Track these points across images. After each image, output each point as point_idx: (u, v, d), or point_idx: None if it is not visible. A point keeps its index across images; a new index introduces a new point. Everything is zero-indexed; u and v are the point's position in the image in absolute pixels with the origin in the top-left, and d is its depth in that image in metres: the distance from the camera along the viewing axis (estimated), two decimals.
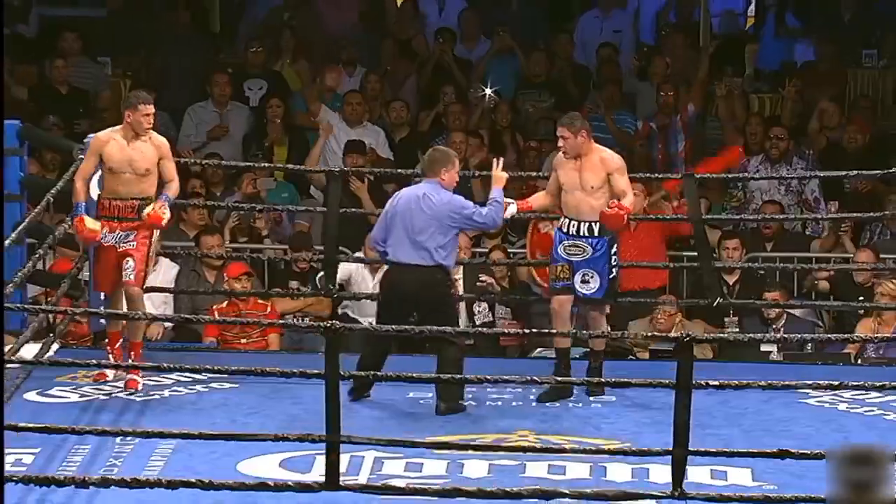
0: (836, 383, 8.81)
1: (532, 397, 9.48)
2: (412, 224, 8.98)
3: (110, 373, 9.36)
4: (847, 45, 13.61)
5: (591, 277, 9.23)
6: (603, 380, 9.21)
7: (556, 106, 13.03)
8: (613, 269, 9.28)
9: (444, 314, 8.95)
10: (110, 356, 9.35)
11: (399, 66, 13.47)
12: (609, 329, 9.51)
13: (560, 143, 9.31)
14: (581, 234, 9.25)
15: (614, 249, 9.28)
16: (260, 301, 10.75)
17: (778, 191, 12.00)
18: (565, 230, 9.30)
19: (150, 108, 9.14)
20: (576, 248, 9.24)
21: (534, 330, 9.80)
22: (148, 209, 9.09)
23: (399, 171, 11.57)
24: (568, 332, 9.21)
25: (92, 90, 13.22)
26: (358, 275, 10.97)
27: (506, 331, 10.68)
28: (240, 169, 11.86)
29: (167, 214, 9.18)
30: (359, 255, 10.91)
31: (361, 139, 12.20)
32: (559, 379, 9.08)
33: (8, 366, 8.83)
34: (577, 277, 9.26)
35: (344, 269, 10.81)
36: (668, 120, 12.59)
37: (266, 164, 11.88)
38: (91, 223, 9.10)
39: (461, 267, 10.62)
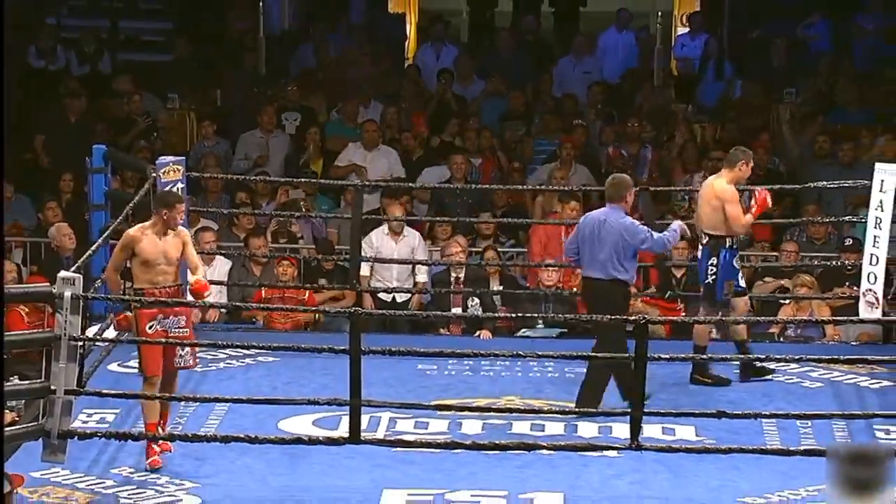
0: (763, 357, 8.79)
1: (517, 368, 9.43)
2: (595, 244, 8.62)
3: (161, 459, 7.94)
4: (774, 84, 13.57)
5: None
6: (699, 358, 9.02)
7: (528, 133, 12.95)
8: (709, 276, 9.11)
9: (614, 321, 8.37)
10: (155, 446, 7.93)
11: (413, 101, 13.42)
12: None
13: (749, 172, 9.15)
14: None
15: (712, 261, 9.10)
16: (301, 290, 10.64)
17: None
18: (735, 247, 9.16)
19: (183, 207, 8.19)
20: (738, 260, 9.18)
21: (520, 314, 9.71)
22: (197, 276, 7.95)
23: (410, 185, 11.54)
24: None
25: (155, 119, 13.16)
26: (379, 240, 10.85)
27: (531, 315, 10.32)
28: (282, 183, 11.80)
29: (210, 286, 8.27)
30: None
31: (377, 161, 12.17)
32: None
33: (95, 343, 8.78)
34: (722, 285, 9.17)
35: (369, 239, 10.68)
36: (636, 148, 12.53)
37: (304, 179, 11.82)
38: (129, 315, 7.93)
39: (463, 267, 10.53)
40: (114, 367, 9.30)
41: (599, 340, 8.57)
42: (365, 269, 10.61)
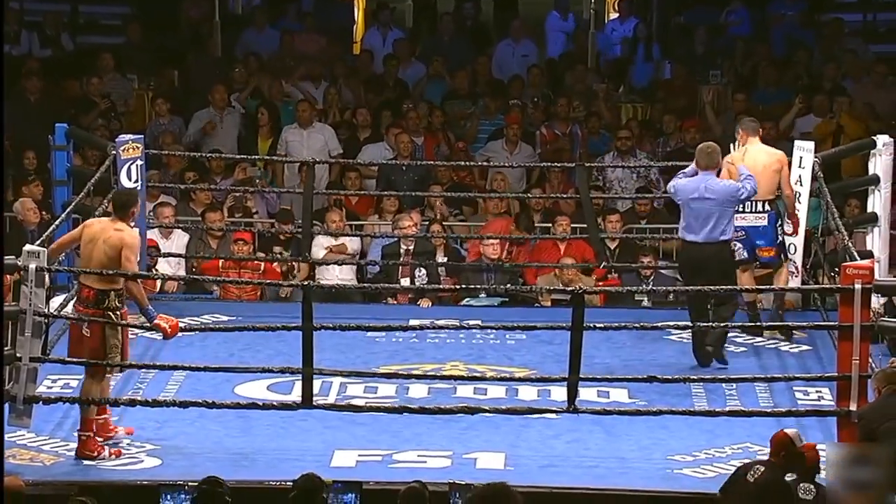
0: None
1: (461, 336, 9.35)
2: (700, 210, 8.70)
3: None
4: (699, 67, 13.58)
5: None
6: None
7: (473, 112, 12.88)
8: (779, 237, 9.20)
9: (729, 278, 8.76)
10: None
11: (360, 83, 13.29)
12: None
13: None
14: None
15: (779, 221, 9.21)
16: (256, 261, 10.50)
17: (631, 177, 11.91)
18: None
19: None
20: None
21: (464, 286, 9.68)
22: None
23: (357, 162, 11.46)
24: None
25: (121, 99, 12.95)
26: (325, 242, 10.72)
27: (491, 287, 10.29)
28: (237, 160, 11.63)
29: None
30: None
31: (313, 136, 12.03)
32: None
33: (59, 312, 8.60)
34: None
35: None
36: (567, 128, 12.48)
37: (255, 157, 11.68)
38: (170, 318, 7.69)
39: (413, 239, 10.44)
40: None
41: (722, 300, 8.69)
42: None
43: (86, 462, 7.46)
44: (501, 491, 4.87)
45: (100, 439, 7.60)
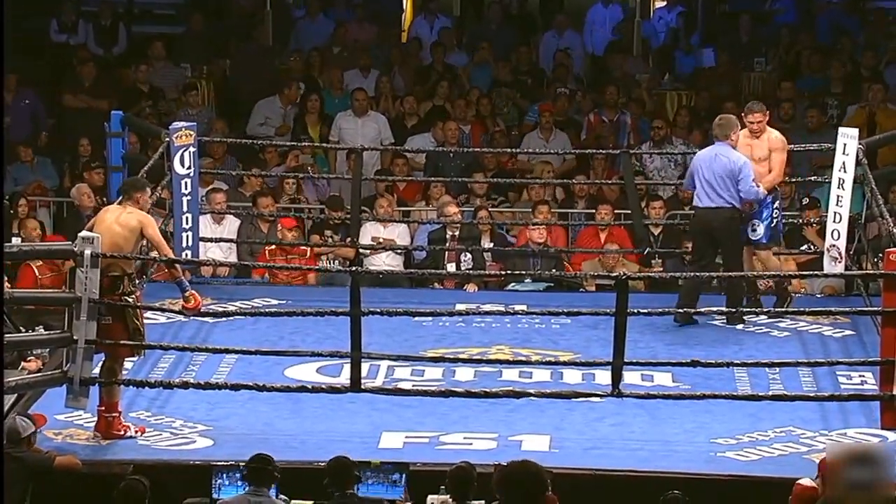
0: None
1: (507, 320, 9.32)
2: (711, 177, 8.94)
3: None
4: (744, 55, 13.47)
5: (758, 226, 9.15)
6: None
7: (515, 102, 12.82)
8: (774, 220, 9.18)
9: (737, 243, 9.01)
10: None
11: (408, 71, 13.28)
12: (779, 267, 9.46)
13: (755, 127, 9.14)
14: None
15: (777, 204, 9.21)
16: (303, 247, 10.52)
17: (669, 165, 11.83)
18: None
19: None
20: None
21: (509, 272, 9.65)
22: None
23: (404, 149, 11.42)
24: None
25: (172, 87, 13.00)
26: (373, 228, 10.72)
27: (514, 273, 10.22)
28: (289, 148, 11.65)
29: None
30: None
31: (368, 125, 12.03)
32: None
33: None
34: (748, 227, 9.18)
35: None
36: (615, 115, 12.43)
37: (307, 144, 11.69)
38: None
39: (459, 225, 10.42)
40: None
41: (730, 261, 8.90)
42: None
43: (140, 442, 7.50)
44: (527, 468, 4.76)
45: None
